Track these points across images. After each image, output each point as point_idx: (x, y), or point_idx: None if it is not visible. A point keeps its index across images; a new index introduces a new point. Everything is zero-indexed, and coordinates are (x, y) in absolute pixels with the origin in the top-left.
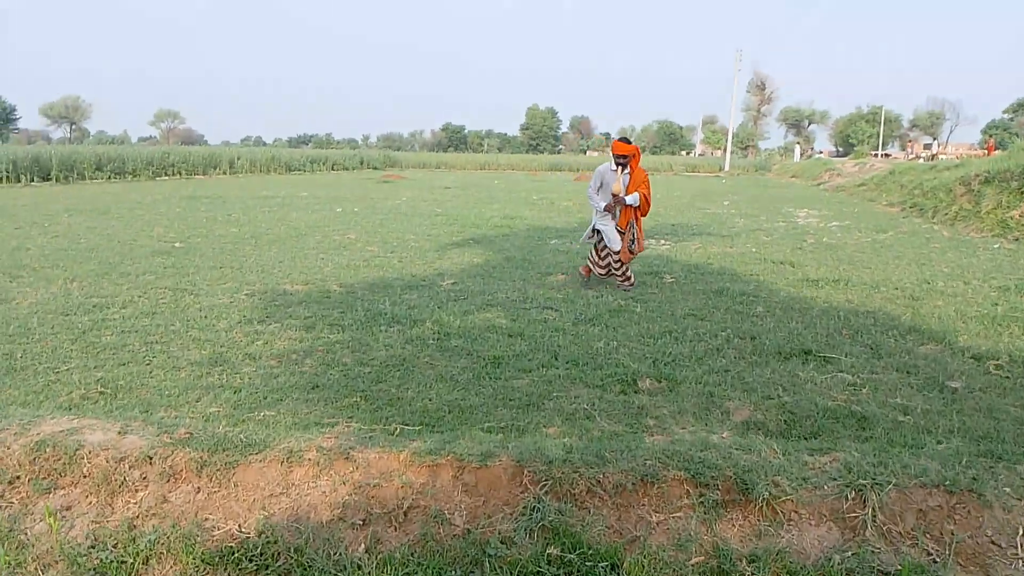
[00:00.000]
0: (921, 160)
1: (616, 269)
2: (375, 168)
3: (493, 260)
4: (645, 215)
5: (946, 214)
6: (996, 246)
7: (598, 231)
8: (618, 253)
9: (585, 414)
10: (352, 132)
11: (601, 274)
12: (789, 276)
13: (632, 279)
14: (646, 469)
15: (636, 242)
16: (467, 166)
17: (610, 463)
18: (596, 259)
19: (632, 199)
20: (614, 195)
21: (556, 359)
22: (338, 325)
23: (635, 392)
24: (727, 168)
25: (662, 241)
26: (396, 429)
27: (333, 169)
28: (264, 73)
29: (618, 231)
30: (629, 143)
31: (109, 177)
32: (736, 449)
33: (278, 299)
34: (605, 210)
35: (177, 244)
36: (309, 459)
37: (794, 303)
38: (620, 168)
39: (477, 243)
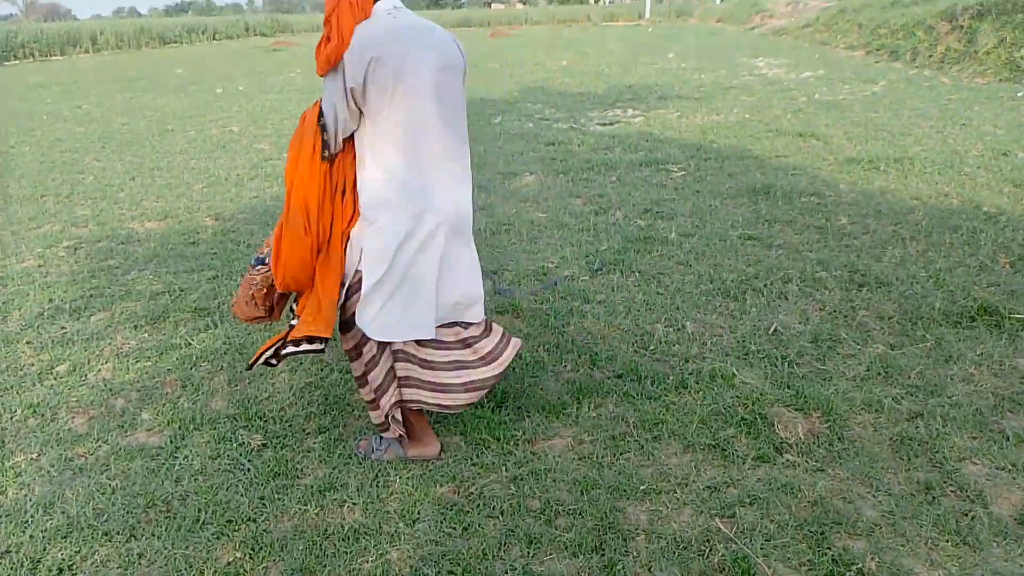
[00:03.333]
0: None
1: None
2: (263, 35)
3: None
4: None
5: (930, 56)
6: (1021, 94)
7: None
8: None
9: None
10: None
11: None
12: (826, 156)
13: None
14: None
15: None
16: None
17: None
18: None
19: None
20: None
21: (594, 366)
22: (206, 310)
23: (777, 450)
24: (648, 15)
25: (630, 111)
26: None
27: (215, 39)
28: None
29: None
30: None
31: None
32: None
33: (116, 253)
34: None
35: None
36: None
37: (877, 205)
38: None
39: None
